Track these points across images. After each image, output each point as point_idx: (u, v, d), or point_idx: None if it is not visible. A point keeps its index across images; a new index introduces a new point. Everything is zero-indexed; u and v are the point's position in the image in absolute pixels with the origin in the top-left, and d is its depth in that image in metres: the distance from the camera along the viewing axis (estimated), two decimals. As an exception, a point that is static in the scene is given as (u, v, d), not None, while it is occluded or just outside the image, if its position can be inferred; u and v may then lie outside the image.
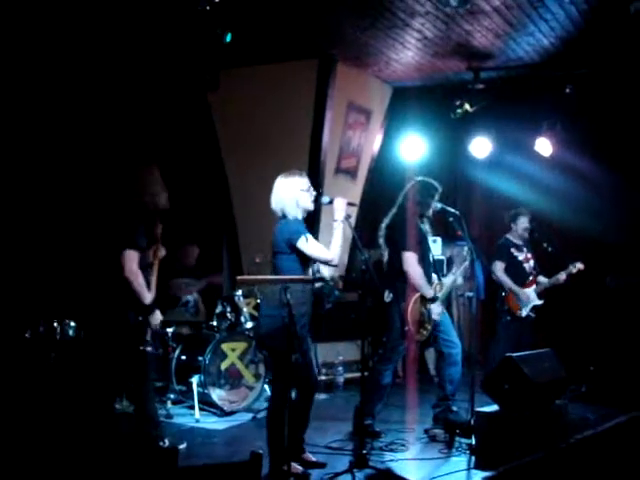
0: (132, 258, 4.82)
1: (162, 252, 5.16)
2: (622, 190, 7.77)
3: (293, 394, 4.72)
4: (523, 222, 6.83)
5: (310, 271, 4.84)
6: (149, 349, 4.92)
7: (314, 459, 4.89)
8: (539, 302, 6.76)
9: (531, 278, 6.81)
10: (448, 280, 5.76)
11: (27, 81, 6.38)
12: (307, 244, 4.58)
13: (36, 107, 6.50)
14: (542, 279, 6.83)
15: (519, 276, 6.71)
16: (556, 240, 7.07)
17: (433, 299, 5.54)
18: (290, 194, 4.70)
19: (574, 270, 6.79)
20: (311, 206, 4.77)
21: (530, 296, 6.72)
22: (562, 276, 6.77)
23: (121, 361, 4.97)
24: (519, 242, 6.86)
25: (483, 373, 5.63)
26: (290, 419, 4.59)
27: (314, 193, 4.78)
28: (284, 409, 4.58)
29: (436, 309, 5.54)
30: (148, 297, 4.91)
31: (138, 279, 4.84)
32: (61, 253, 6.51)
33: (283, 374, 4.55)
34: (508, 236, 6.88)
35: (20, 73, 6.30)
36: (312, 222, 4.92)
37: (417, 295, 5.50)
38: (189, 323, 6.93)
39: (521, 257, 6.81)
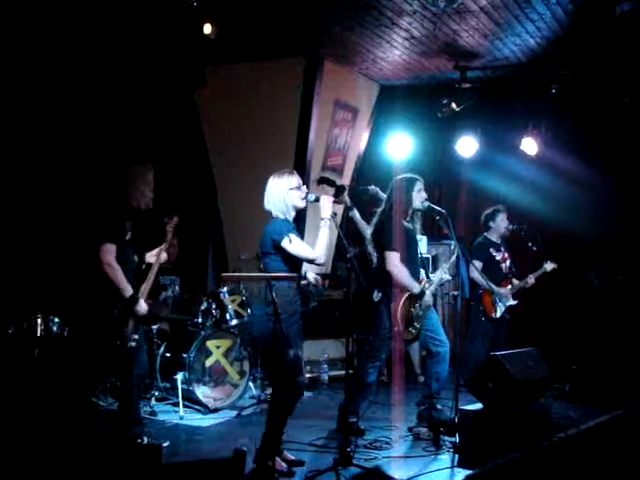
0: (108, 251, 4.80)
1: (163, 256, 5.18)
2: (606, 188, 7.83)
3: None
4: (503, 219, 6.82)
5: (302, 271, 4.83)
6: (133, 344, 4.88)
7: (293, 457, 4.89)
8: (513, 302, 6.76)
9: (507, 278, 6.82)
10: (436, 276, 5.78)
11: (15, 78, 6.33)
12: (290, 244, 4.58)
13: (21, 103, 6.45)
14: (514, 281, 6.84)
15: (495, 276, 6.70)
16: (540, 238, 7.10)
17: (421, 294, 5.55)
18: (279, 194, 4.71)
19: (548, 269, 6.79)
20: (301, 204, 4.77)
21: (506, 296, 6.73)
22: (531, 280, 6.77)
23: (103, 356, 4.94)
24: (498, 241, 6.86)
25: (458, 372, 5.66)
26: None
27: (305, 191, 4.79)
28: (288, 407, 4.59)
29: (427, 299, 5.56)
30: (128, 290, 4.88)
31: (115, 272, 4.81)
32: (44, 248, 6.47)
33: (279, 371, 4.55)
34: (487, 235, 6.86)
35: (8, 70, 6.25)
36: (298, 220, 4.91)
37: (406, 295, 5.51)
38: (174, 320, 6.91)
39: (499, 257, 6.80)
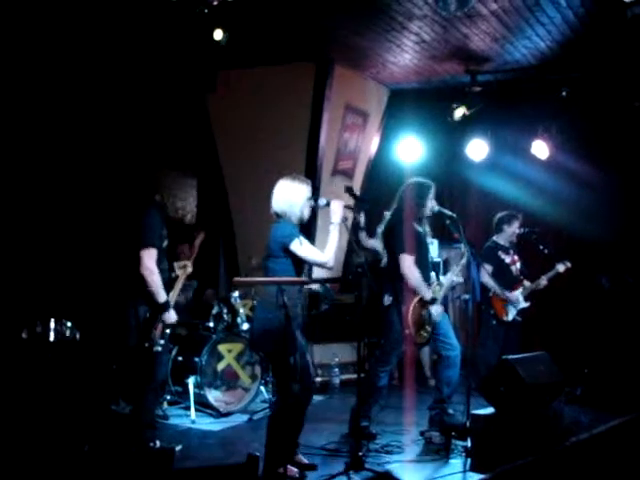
0: (150, 255, 4.84)
1: (189, 269, 5.20)
2: (617, 192, 7.81)
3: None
4: (517, 226, 6.84)
5: (303, 274, 4.84)
6: (159, 349, 4.90)
7: (306, 461, 4.89)
8: (526, 305, 6.76)
9: (518, 281, 6.81)
10: (446, 279, 5.78)
11: (31, 84, 6.40)
12: (301, 247, 4.58)
13: (37, 107, 6.51)
14: (526, 283, 6.83)
15: (506, 279, 6.70)
16: (551, 241, 7.09)
17: (433, 300, 5.55)
18: (300, 200, 4.68)
19: (561, 270, 6.79)
20: (307, 216, 4.79)
21: (518, 298, 6.73)
22: (543, 281, 6.78)
23: (123, 358, 4.96)
24: (506, 245, 6.86)
25: (470, 376, 5.66)
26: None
27: (312, 203, 4.81)
28: (289, 411, 4.60)
29: (436, 310, 5.55)
30: (163, 296, 4.91)
31: (154, 277, 4.85)
32: (59, 252, 6.51)
33: (284, 376, 4.56)
34: (495, 239, 6.86)
35: (23, 76, 6.32)
36: (309, 224, 4.92)
37: (417, 298, 5.51)
38: (186, 324, 6.92)
39: (508, 260, 6.80)
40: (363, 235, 6.09)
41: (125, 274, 4.93)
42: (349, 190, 5.19)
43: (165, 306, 4.93)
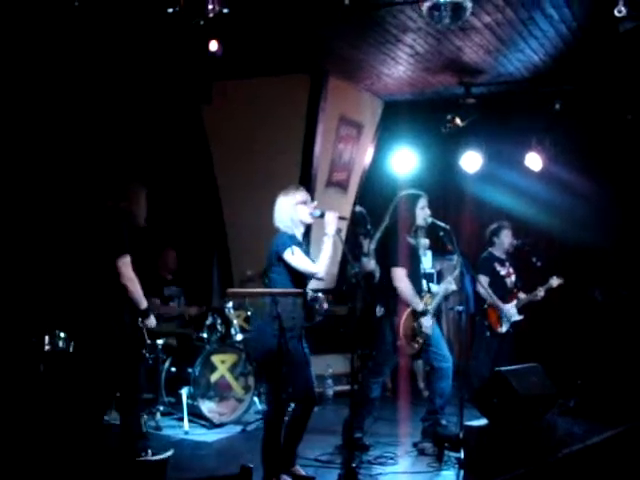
0: (126, 263, 4.85)
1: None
2: (611, 203, 7.85)
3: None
4: (507, 235, 6.85)
5: (307, 284, 4.84)
6: (146, 355, 4.93)
7: (303, 472, 4.88)
8: (519, 317, 6.78)
9: (512, 293, 6.83)
10: (439, 289, 5.78)
11: (23, 91, 6.40)
12: (293, 256, 4.62)
13: (34, 114, 6.52)
14: (521, 295, 6.86)
15: (500, 291, 6.72)
16: (544, 254, 7.12)
17: (424, 312, 5.56)
18: (286, 210, 4.76)
19: (554, 284, 6.81)
20: (307, 218, 4.81)
21: (511, 311, 6.74)
22: (540, 292, 6.80)
23: (116, 370, 4.95)
24: (502, 256, 6.88)
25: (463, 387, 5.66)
26: (286, 431, 4.65)
27: (312, 204, 4.83)
28: (280, 420, 4.60)
29: (427, 322, 5.55)
30: (144, 303, 4.95)
31: (135, 284, 4.87)
32: (51, 263, 6.50)
33: (276, 386, 4.56)
34: (492, 250, 6.89)
35: (17, 84, 6.32)
36: (303, 236, 4.94)
37: (409, 310, 5.52)
38: (179, 335, 6.91)
39: (503, 272, 6.83)
40: (365, 260, 6.12)
41: (103, 285, 4.92)
42: (360, 215, 5.22)
43: (147, 312, 4.99)
